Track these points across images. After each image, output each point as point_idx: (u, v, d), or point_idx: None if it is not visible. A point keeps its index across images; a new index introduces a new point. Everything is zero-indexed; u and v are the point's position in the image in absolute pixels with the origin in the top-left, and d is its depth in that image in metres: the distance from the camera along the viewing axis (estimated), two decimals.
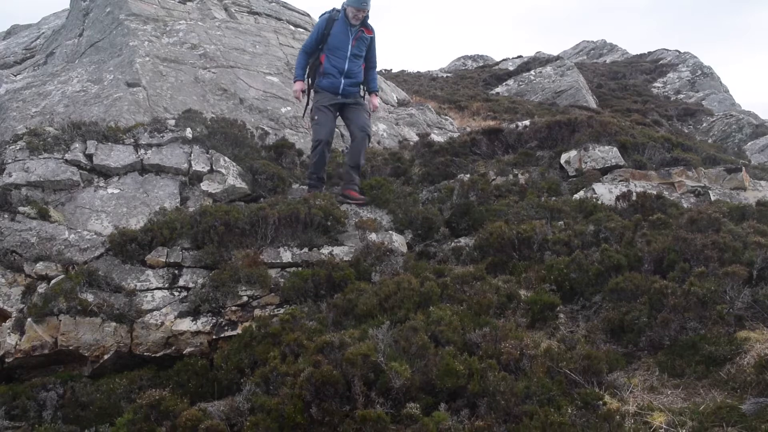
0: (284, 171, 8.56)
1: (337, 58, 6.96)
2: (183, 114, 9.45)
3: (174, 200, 7.43)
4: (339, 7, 7.26)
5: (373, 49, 7.14)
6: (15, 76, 12.46)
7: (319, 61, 7.19)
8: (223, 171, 7.86)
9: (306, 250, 6.46)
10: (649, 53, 33.90)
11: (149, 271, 6.17)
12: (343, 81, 7.01)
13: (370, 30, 6.95)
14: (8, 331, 5.60)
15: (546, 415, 3.22)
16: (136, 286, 5.99)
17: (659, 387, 3.78)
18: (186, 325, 5.67)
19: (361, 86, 7.35)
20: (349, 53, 6.90)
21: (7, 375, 5.61)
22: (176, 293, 6.01)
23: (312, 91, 7.38)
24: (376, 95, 7.39)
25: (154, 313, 5.76)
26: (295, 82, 7.30)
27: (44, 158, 7.44)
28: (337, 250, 6.52)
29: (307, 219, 6.62)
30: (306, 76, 7.25)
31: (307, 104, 7.42)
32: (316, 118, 7.11)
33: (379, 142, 11.92)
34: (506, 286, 5.23)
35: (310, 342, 4.21)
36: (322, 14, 7.25)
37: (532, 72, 25.01)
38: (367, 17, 6.85)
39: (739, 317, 4.27)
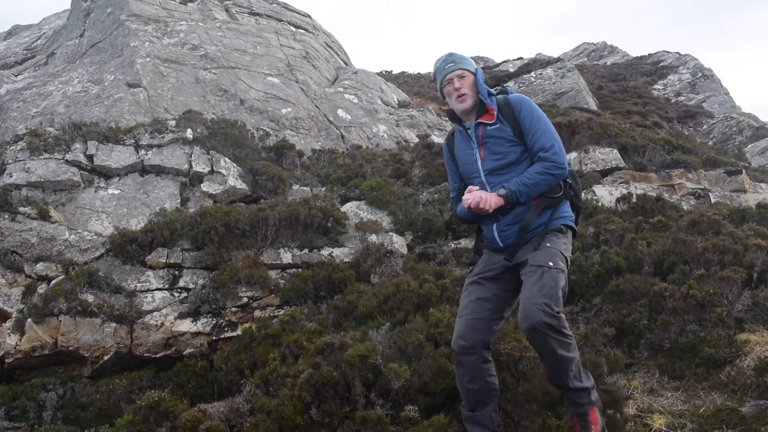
0: (284, 172, 8.57)
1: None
2: (183, 115, 9.46)
3: (174, 201, 7.43)
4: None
5: (528, 127, 3.28)
6: (16, 76, 12.47)
7: None
8: (223, 172, 7.87)
9: (306, 251, 6.46)
10: (650, 55, 33.93)
11: (149, 272, 6.17)
12: (495, 226, 3.36)
13: (491, 108, 3.34)
14: (8, 331, 5.61)
15: (545, 418, 3.22)
16: (136, 286, 6.00)
17: (659, 389, 3.78)
18: (186, 326, 5.68)
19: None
20: (482, 174, 3.37)
21: (7, 375, 5.61)
22: (176, 294, 6.01)
23: None
24: (499, 195, 3.22)
25: (155, 313, 5.77)
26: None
27: (45, 159, 7.45)
28: (337, 251, 6.52)
29: (307, 220, 6.63)
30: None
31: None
32: (461, 303, 3.50)
33: (379, 144, 11.92)
34: None
35: (309, 343, 4.21)
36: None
37: (533, 74, 25.02)
38: (482, 92, 3.35)
39: (739, 319, 4.27)
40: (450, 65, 3.37)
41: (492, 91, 3.38)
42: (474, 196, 3.19)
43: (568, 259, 3.15)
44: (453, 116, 3.46)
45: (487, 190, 3.26)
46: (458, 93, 3.32)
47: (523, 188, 3.12)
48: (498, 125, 3.29)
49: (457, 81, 3.31)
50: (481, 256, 3.60)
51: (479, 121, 3.32)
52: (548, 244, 3.13)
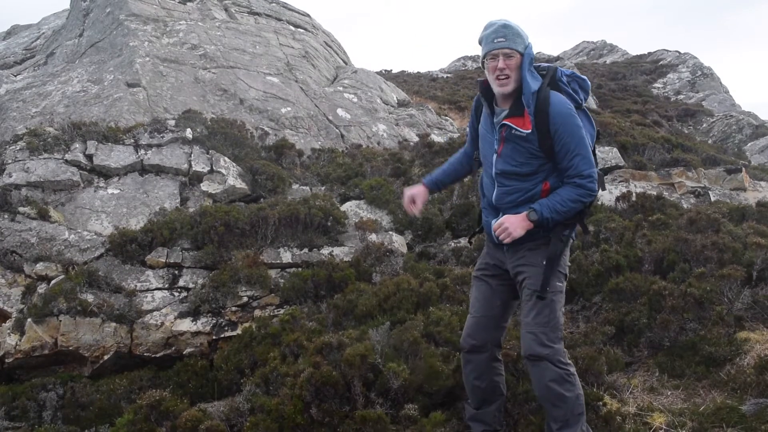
0: (284, 171, 8.57)
1: (487, 176, 3.22)
2: (183, 114, 9.46)
3: (174, 200, 7.43)
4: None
5: (565, 148, 2.86)
6: (15, 76, 12.46)
7: None
8: (223, 171, 7.87)
9: (306, 250, 6.46)
10: (649, 54, 33.89)
11: (149, 272, 6.17)
12: (493, 222, 3.06)
13: (527, 114, 2.88)
14: (8, 331, 5.61)
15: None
16: (136, 286, 5.99)
17: (659, 388, 3.78)
18: (186, 325, 5.68)
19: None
20: (493, 170, 3.07)
21: (7, 375, 5.61)
22: (176, 294, 6.01)
23: None
24: (530, 219, 2.87)
25: (154, 313, 5.76)
26: None
27: (44, 158, 7.44)
28: (337, 250, 6.52)
29: (307, 219, 6.63)
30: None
31: None
32: (470, 298, 3.41)
33: (379, 143, 11.92)
34: None
35: (309, 343, 4.22)
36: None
37: None
38: (526, 89, 2.86)
39: (739, 318, 4.27)
40: (500, 40, 2.87)
41: (536, 86, 2.83)
42: (498, 228, 2.91)
43: (566, 274, 3.02)
44: (485, 91, 3.02)
45: (493, 188, 3.05)
46: (501, 73, 2.87)
47: (555, 215, 2.83)
48: (526, 133, 2.85)
49: (502, 60, 2.86)
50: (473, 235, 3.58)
51: (506, 123, 2.91)
52: (544, 262, 2.91)
